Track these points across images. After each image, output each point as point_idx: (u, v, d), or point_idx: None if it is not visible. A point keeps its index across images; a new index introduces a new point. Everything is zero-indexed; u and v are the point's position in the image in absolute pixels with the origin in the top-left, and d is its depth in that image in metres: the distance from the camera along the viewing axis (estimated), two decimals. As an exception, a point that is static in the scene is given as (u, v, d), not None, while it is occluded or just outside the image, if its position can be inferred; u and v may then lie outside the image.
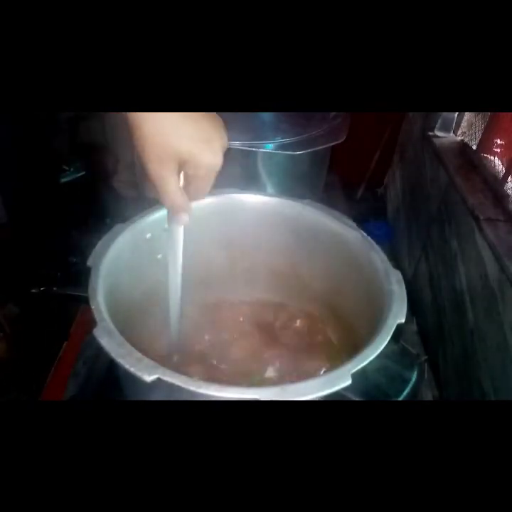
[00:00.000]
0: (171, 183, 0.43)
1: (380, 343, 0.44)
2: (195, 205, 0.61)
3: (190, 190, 0.46)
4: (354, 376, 0.41)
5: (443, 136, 0.97)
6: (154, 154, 0.42)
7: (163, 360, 0.48)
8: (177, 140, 0.42)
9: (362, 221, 0.64)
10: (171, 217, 0.49)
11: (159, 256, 0.62)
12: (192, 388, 0.38)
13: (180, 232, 0.51)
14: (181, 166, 0.43)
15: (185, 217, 0.47)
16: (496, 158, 0.84)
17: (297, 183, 0.84)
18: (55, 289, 0.58)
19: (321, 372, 0.59)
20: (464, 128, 0.97)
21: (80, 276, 0.50)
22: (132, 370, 0.39)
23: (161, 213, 0.59)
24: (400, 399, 0.58)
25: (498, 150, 0.84)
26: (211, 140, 0.43)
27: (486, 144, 0.86)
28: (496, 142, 0.84)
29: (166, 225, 0.60)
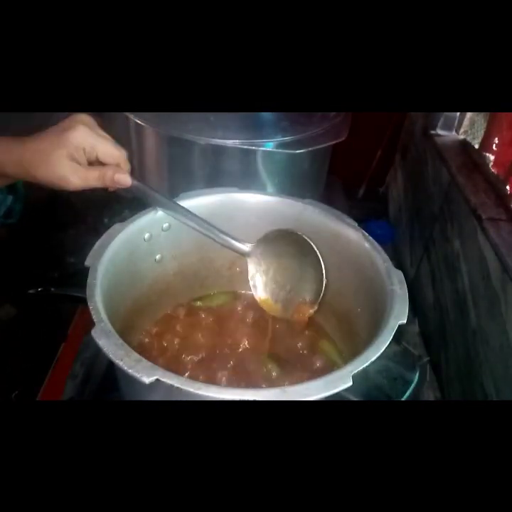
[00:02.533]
0: (80, 170, 0.48)
1: (382, 344, 0.44)
2: (196, 204, 0.61)
3: (106, 157, 0.50)
4: (355, 377, 0.40)
5: (445, 135, 0.97)
6: (52, 167, 0.46)
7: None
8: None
9: (363, 221, 0.63)
10: (120, 187, 0.51)
11: (157, 256, 0.62)
12: (191, 390, 0.38)
13: (144, 187, 0.54)
14: (73, 158, 0.47)
15: (122, 178, 0.50)
16: (497, 157, 0.83)
17: (298, 182, 0.83)
18: (52, 289, 0.58)
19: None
20: (466, 126, 0.96)
21: (77, 276, 0.50)
22: (131, 371, 0.39)
23: (159, 214, 0.58)
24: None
25: (499, 149, 0.83)
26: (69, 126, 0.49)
27: (487, 143, 0.86)
28: (496, 141, 0.83)
29: (165, 225, 0.60)
